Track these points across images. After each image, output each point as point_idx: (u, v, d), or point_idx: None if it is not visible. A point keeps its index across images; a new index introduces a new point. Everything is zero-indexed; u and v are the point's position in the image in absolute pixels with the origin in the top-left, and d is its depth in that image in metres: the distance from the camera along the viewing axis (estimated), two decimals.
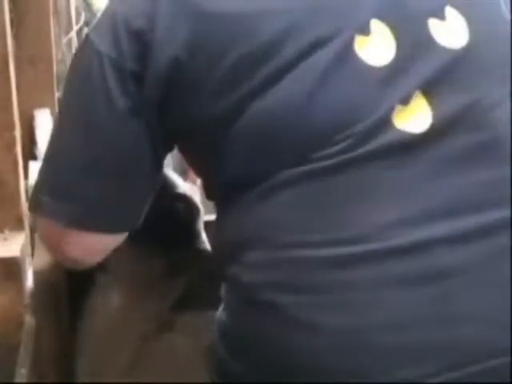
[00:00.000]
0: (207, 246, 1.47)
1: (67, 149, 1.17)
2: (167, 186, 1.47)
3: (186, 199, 1.49)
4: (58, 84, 2.53)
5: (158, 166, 1.20)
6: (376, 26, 1.09)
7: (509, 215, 1.05)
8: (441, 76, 1.09)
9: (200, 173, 1.23)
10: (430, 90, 1.08)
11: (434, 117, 1.07)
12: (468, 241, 1.04)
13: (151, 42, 1.09)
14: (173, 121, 1.13)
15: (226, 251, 1.14)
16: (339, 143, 1.05)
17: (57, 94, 2.50)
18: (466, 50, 1.11)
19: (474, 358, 1.01)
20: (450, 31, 1.11)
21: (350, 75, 1.06)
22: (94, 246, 1.23)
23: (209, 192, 1.22)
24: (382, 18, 1.09)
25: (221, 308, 1.18)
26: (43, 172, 1.20)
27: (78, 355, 1.49)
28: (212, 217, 1.66)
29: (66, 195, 1.16)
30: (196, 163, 1.21)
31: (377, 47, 1.08)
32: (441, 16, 1.12)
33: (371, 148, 1.05)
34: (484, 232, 1.04)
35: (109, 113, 1.12)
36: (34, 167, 2.09)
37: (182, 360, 1.47)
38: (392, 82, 1.07)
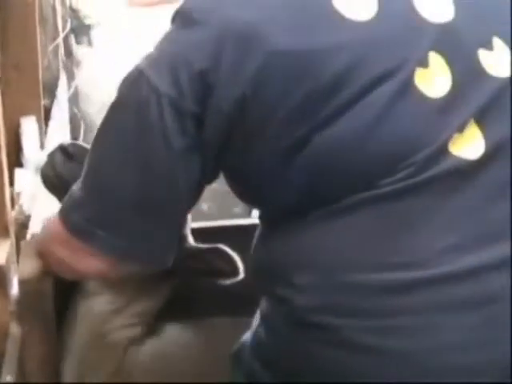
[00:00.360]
0: (194, 249, 1.47)
1: (120, 185, 1.16)
2: None
3: None
4: (44, 91, 2.53)
5: (199, 198, 1.21)
6: (433, 58, 1.12)
7: None
8: (491, 104, 1.12)
9: (247, 196, 1.22)
10: (482, 118, 1.11)
11: (486, 144, 1.10)
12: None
13: (214, 82, 1.09)
14: (233, 156, 1.14)
15: (275, 271, 1.15)
16: (400, 171, 1.08)
17: (43, 102, 2.50)
18: (510, 79, 1.14)
19: None
20: (498, 61, 1.15)
21: (411, 107, 1.09)
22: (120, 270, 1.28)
23: (260, 213, 1.23)
24: (437, 50, 1.12)
25: (258, 324, 1.18)
26: (92, 205, 1.19)
27: (64, 362, 1.48)
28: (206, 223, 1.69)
29: (119, 231, 1.17)
30: (246, 189, 1.21)
31: (435, 79, 1.11)
32: (489, 47, 1.15)
33: (430, 175, 1.08)
34: None
35: (165, 152, 1.12)
36: (20, 174, 2.09)
37: (171, 369, 1.47)
38: (449, 111, 1.10)
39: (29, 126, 2.31)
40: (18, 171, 2.10)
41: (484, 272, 1.06)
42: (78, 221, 1.19)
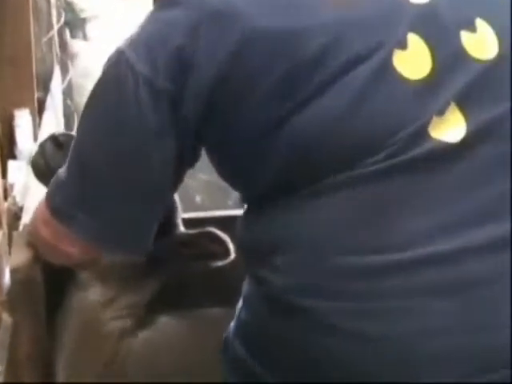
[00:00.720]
0: (185, 235, 1.48)
1: (96, 166, 1.17)
2: None
3: None
4: (37, 84, 2.53)
5: (179, 182, 1.21)
6: (412, 39, 1.11)
7: None
8: (473, 88, 1.11)
9: (231, 178, 1.22)
10: (463, 101, 1.10)
11: (468, 127, 1.09)
12: (497, 250, 1.05)
13: (192, 59, 1.09)
14: (213, 135, 1.14)
15: (257, 252, 1.15)
16: (379, 153, 1.07)
17: (36, 94, 2.49)
18: (496, 61, 1.13)
19: (498, 365, 1.03)
20: (481, 43, 1.14)
21: (388, 89, 1.09)
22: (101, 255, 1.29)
23: (241, 194, 1.23)
24: (417, 32, 1.11)
25: (240, 306, 1.18)
26: (73, 185, 1.19)
27: (56, 353, 1.48)
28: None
29: (96, 214, 1.18)
30: (228, 170, 1.20)
31: (414, 61, 1.10)
32: (472, 28, 1.14)
33: (409, 157, 1.07)
34: (510, 241, 1.06)
35: (139, 131, 1.12)
36: (13, 166, 2.10)
37: (163, 360, 1.47)
38: (428, 94, 1.09)
39: (22, 119, 2.31)
40: (11, 163, 2.11)
41: (466, 255, 1.05)
42: (58, 202, 1.20)
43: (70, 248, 1.23)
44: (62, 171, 1.20)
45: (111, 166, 1.16)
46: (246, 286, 1.18)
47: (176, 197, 1.48)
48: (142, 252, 1.23)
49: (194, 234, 1.47)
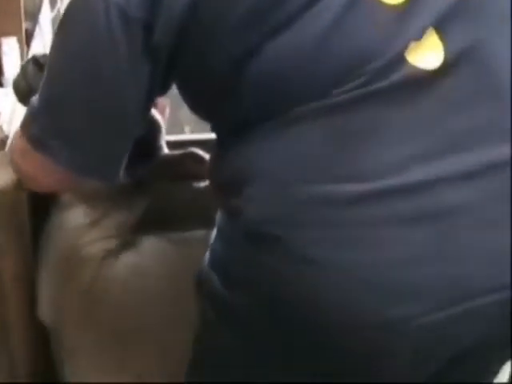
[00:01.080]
0: (169, 157, 1.48)
1: (69, 94, 1.16)
2: None
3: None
4: (26, 15, 2.50)
5: (148, 111, 1.21)
6: None
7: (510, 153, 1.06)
8: (452, 12, 1.08)
9: (199, 108, 1.21)
10: (441, 26, 1.08)
11: (446, 54, 1.07)
12: (471, 179, 1.04)
13: None
14: (184, 65, 1.13)
15: (229, 184, 1.14)
16: (354, 80, 1.05)
17: (24, 25, 2.46)
18: None
19: (473, 293, 1.03)
20: None
21: (364, 14, 1.06)
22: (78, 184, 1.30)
23: (212, 126, 1.22)
24: None
25: (214, 237, 1.19)
26: (47, 113, 1.19)
27: (39, 275, 1.49)
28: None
29: (70, 142, 1.18)
30: (198, 100, 1.20)
31: None
32: None
33: (384, 84, 1.05)
34: (487, 169, 1.05)
35: (113, 61, 1.11)
36: (0, 94, 2.08)
37: (146, 282, 1.48)
38: (406, 18, 1.07)
39: (9, 47, 2.29)
40: None
41: (440, 184, 1.03)
42: (34, 131, 1.20)
43: (46, 177, 1.24)
44: (35, 99, 1.20)
45: (83, 94, 1.15)
46: (218, 218, 1.18)
47: (160, 120, 1.48)
48: (115, 178, 1.23)
49: (177, 155, 1.48)
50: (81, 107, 1.15)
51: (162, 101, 1.49)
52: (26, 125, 1.22)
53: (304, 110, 1.07)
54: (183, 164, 1.47)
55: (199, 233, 1.52)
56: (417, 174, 1.03)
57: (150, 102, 1.18)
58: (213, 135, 1.22)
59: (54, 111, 1.18)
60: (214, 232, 1.20)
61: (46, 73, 1.19)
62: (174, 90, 1.21)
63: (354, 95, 1.05)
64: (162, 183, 1.48)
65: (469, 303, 1.03)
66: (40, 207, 1.48)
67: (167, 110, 1.54)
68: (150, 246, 1.50)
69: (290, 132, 1.07)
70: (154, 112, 1.50)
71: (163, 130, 1.47)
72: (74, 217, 1.48)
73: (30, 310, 1.50)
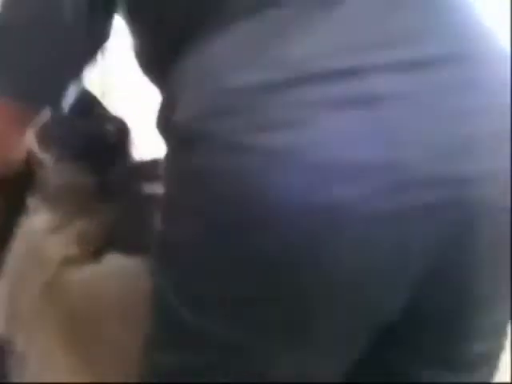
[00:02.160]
0: (139, 165, 1.47)
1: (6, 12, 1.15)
2: (97, 108, 1.46)
3: (117, 121, 1.48)
4: None
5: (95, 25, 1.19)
6: None
7: (446, 50, 1.08)
8: None
9: (144, 31, 1.22)
10: None
11: None
12: (406, 70, 1.05)
13: None
14: None
15: (168, 102, 1.15)
16: None
17: None
18: None
19: (409, 182, 1.02)
20: None
21: None
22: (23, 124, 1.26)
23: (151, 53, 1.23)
24: None
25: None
26: None
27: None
28: None
29: (9, 66, 1.16)
30: (140, 22, 1.21)
31: None
32: None
33: None
34: (421, 64, 1.06)
35: None
36: None
37: (102, 292, 1.44)
38: None
39: None
40: None
41: (370, 73, 1.03)
42: None
43: None
44: None
45: (21, 14, 1.14)
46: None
47: (128, 122, 1.46)
48: (58, 104, 1.21)
49: (147, 161, 1.46)
50: (18, 22, 1.14)
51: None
52: None
53: (234, 7, 1.09)
54: (153, 171, 1.44)
55: None
56: (349, 60, 1.03)
57: (94, 19, 1.16)
58: None
59: None
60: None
61: None
62: None
63: None
64: (131, 187, 1.45)
65: (404, 195, 1.02)
66: (11, 212, 1.46)
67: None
68: (115, 263, 1.46)
69: (221, 29, 1.09)
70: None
71: (132, 135, 1.45)
72: (38, 222, 1.44)
73: None
